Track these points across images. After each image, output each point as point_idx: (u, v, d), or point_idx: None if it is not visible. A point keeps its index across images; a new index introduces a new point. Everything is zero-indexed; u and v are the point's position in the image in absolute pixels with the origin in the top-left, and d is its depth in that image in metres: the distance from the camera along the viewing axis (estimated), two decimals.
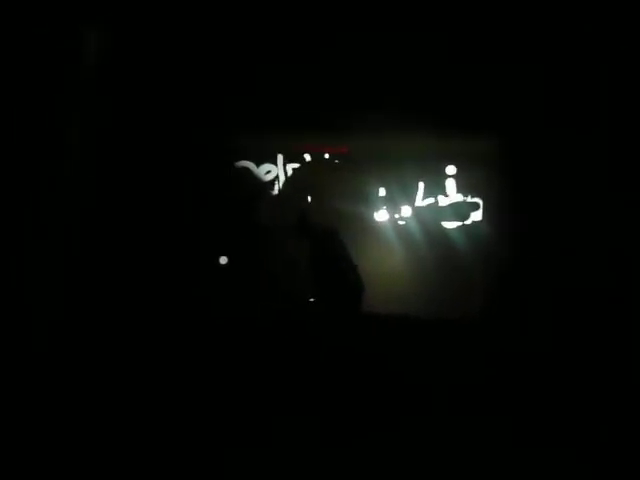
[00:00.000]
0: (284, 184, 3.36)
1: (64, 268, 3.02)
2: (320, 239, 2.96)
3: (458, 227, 3.25)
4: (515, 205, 3.14)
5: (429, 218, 3.27)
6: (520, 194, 3.15)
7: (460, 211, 3.27)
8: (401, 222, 3.28)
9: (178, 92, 3.36)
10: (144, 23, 3.25)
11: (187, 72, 3.35)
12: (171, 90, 3.35)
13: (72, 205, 3.07)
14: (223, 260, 3.23)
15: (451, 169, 3.31)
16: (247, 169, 3.35)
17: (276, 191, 3.35)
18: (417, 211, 3.29)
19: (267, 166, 3.36)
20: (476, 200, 3.27)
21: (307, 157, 3.39)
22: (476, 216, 3.25)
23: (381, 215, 3.30)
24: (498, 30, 3.12)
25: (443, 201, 3.30)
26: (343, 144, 3.38)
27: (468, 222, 3.25)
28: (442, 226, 3.26)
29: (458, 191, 3.30)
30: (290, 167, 3.40)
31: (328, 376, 2.92)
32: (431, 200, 3.30)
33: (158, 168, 3.32)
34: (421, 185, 3.32)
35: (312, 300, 3.11)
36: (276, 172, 3.37)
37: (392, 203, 3.30)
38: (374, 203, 3.31)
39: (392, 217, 3.29)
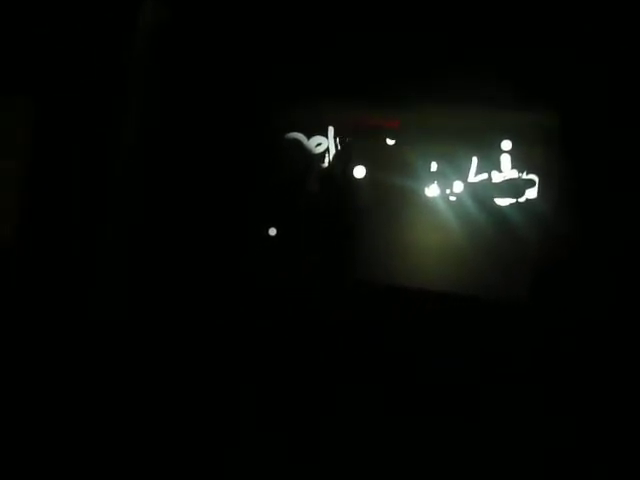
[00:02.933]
0: (334, 156, 3.34)
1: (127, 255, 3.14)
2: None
3: (512, 204, 3.16)
4: (573, 184, 3.03)
5: (482, 194, 3.19)
6: (578, 173, 3.03)
7: (514, 188, 3.18)
8: (452, 198, 3.22)
9: (229, 64, 3.37)
10: None
11: (237, 43, 3.34)
12: (221, 62, 3.37)
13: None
14: (272, 231, 3.26)
15: (507, 144, 3.20)
16: (298, 140, 3.34)
17: (327, 164, 3.34)
18: (469, 187, 3.21)
19: (318, 138, 3.34)
20: (532, 177, 3.17)
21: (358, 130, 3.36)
22: (531, 194, 3.16)
23: (432, 190, 3.24)
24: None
25: (497, 177, 3.21)
26: (395, 118, 3.32)
27: (522, 200, 3.16)
28: (495, 203, 3.18)
29: (513, 167, 3.20)
30: (341, 140, 3.37)
31: (369, 354, 2.95)
32: (484, 176, 3.22)
33: (209, 140, 3.36)
34: (474, 160, 3.24)
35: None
36: (326, 144, 3.35)
37: (444, 178, 3.24)
38: (425, 178, 3.25)
39: (443, 192, 3.23)
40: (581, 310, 2.89)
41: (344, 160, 3.28)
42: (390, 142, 3.32)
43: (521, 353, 2.92)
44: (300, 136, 3.34)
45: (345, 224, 3.22)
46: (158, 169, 3.34)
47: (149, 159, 3.32)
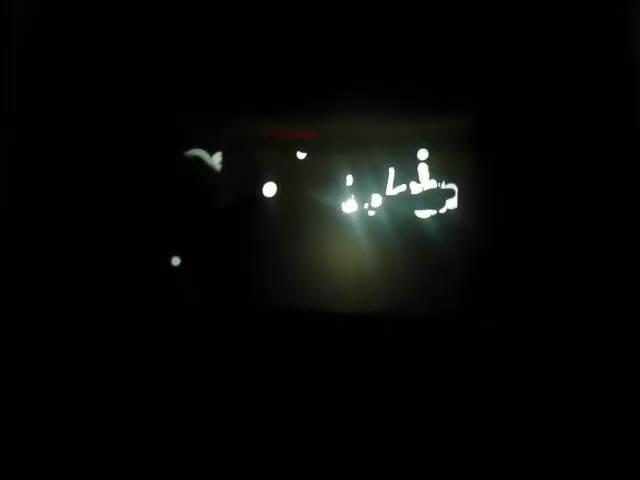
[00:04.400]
0: (239, 173, 3.04)
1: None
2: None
3: (432, 216, 3.00)
4: (493, 191, 2.91)
5: (401, 207, 3.01)
6: (498, 179, 2.91)
7: (434, 199, 3.02)
8: (371, 212, 3.01)
9: (125, 73, 2.98)
10: None
11: (137, 51, 2.97)
12: (119, 71, 2.97)
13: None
14: (175, 261, 2.90)
15: (423, 153, 3.05)
16: (199, 158, 3.01)
17: (232, 180, 3.03)
18: (388, 200, 3.02)
19: (220, 154, 3.03)
20: (451, 186, 3.02)
21: (268, 142, 3.07)
22: (451, 204, 3.01)
23: (349, 205, 3.02)
24: None
25: (416, 188, 3.04)
26: (309, 129, 3.08)
27: (443, 211, 3.01)
28: (415, 216, 3.00)
29: (431, 177, 3.04)
30: (249, 153, 3.07)
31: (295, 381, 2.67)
32: (402, 188, 3.04)
33: (103, 158, 2.94)
34: (391, 171, 3.05)
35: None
36: (232, 160, 3.04)
37: (361, 192, 3.03)
38: (341, 192, 3.02)
39: (361, 207, 3.01)
40: (506, 322, 2.76)
41: (251, 176, 2.98)
42: (302, 155, 3.06)
43: (455, 367, 2.75)
44: (201, 152, 3.01)
45: (253, 245, 2.92)
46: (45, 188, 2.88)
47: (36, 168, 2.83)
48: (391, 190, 3.04)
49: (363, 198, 3.02)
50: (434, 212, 3.00)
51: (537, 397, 2.64)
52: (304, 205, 2.96)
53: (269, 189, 2.99)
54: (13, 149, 2.73)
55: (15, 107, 2.74)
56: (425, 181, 3.04)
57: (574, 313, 2.68)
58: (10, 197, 2.70)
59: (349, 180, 3.03)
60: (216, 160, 3.01)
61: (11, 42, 2.74)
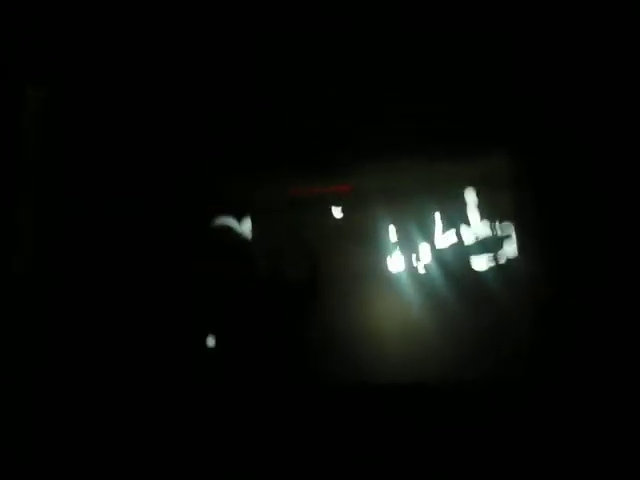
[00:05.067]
0: (275, 238, 2.78)
1: None
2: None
3: (491, 268, 2.68)
4: (552, 228, 2.58)
5: (454, 259, 2.71)
6: (556, 214, 2.59)
7: (490, 244, 2.70)
8: (421, 270, 2.71)
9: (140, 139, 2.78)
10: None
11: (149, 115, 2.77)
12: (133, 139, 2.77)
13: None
14: (211, 342, 2.66)
15: (470, 193, 2.75)
16: (228, 226, 2.77)
17: (266, 248, 2.77)
18: (438, 253, 2.72)
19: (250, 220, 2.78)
20: (507, 227, 2.70)
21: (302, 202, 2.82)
22: (510, 249, 2.69)
23: (396, 263, 2.73)
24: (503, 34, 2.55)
25: (467, 235, 2.73)
26: (343, 182, 2.80)
27: (502, 261, 2.68)
28: (472, 267, 2.69)
29: (482, 218, 2.73)
30: (282, 217, 2.81)
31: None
32: (452, 236, 2.74)
33: (122, 235, 2.73)
34: (438, 219, 2.75)
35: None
36: (264, 225, 2.79)
37: (407, 246, 2.74)
38: (386, 249, 2.74)
39: (409, 264, 2.72)
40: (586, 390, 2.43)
41: (286, 242, 2.73)
42: (339, 212, 2.79)
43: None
44: (230, 220, 2.77)
45: (297, 318, 2.66)
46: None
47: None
48: (440, 240, 2.73)
49: (410, 253, 2.72)
50: (492, 260, 2.68)
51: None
52: (347, 269, 2.68)
53: (306, 253, 2.73)
54: None
55: None
56: (476, 224, 2.73)
57: None
58: None
59: (392, 234, 2.74)
60: (246, 227, 2.77)
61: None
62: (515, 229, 2.69)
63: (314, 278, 2.66)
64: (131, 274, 2.66)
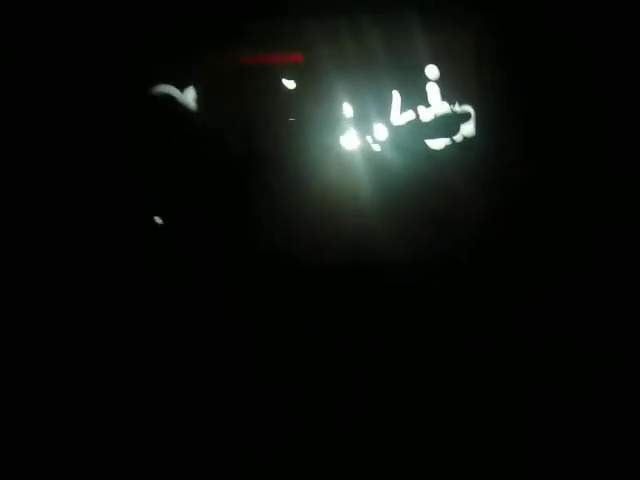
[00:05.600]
0: (220, 108, 2.57)
1: None
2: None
3: (447, 146, 2.57)
4: (519, 113, 2.47)
5: (410, 138, 2.57)
6: (524, 98, 2.47)
7: (448, 125, 2.58)
8: (375, 147, 2.58)
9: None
10: None
11: None
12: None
13: None
14: (159, 219, 2.51)
15: (433, 70, 2.57)
16: (169, 95, 2.53)
17: (210, 120, 2.56)
18: (394, 131, 2.57)
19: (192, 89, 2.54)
20: (467, 109, 2.57)
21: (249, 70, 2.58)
22: (468, 129, 2.57)
23: (349, 140, 2.58)
24: None
25: (426, 114, 2.59)
26: (295, 50, 2.56)
27: (458, 138, 2.57)
28: (427, 147, 2.57)
29: (443, 99, 2.58)
30: (227, 85, 2.58)
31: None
32: (410, 114, 2.59)
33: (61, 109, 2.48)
34: (396, 96, 2.58)
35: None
36: (207, 95, 2.56)
37: (362, 123, 2.57)
38: (339, 125, 2.57)
39: (364, 142, 2.57)
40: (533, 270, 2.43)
41: (231, 113, 2.53)
42: (290, 83, 2.58)
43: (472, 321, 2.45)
44: (171, 89, 2.52)
45: (244, 193, 2.52)
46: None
47: None
48: (397, 118, 2.58)
49: (365, 130, 2.57)
50: (448, 141, 2.56)
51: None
52: (297, 143, 2.52)
53: (254, 127, 2.54)
54: None
55: None
56: (436, 104, 2.58)
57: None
58: None
59: (347, 110, 2.57)
60: (189, 96, 2.54)
61: None
62: (475, 109, 2.56)
63: (261, 153, 2.50)
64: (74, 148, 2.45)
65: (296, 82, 2.56)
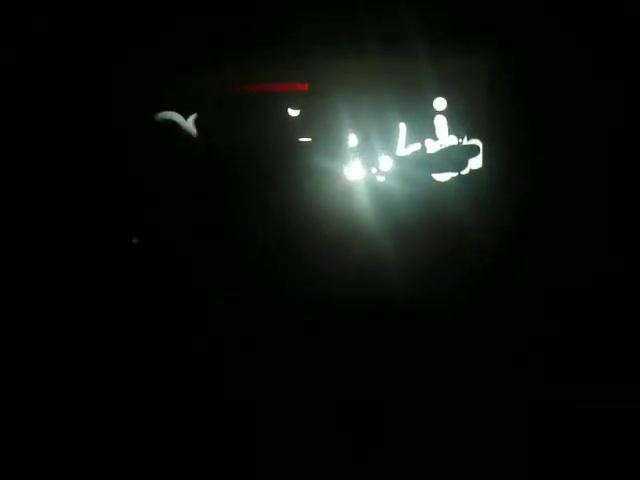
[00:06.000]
0: (223, 136, 2.54)
1: None
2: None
3: (453, 179, 2.50)
4: (528, 147, 2.40)
5: (415, 171, 2.51)
6: (534, 130, 2.41)
7: (455, 158, 2.52)
8: (380, 178, 2.52)
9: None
10: None
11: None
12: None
13: None
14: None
15: (440, 103, 2.53)
16: (173, 121, 2.52)
17: (212, 149, 2.53)
18: (399, 162, 2.52)
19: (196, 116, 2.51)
20: (475, 142, 2.51)
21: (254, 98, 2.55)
22: (475, 164, 2.51)
23: (354, 171, 2.52)
24: None
25: (432, 146, 2.53)
26: (300, 80, 2.54)
27: (465, 172, 2.51)
28: (433, 180, 2.51)
29: (451, 132, 2.53)
30: (232, 113, 2.56)
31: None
32: (416, 146, 2.53)
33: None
34: (402, 127, 2.54)
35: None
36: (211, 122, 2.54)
37: (367, 153, 2.53)
38: (344, 155, 2.52)
39: (368, 173, 2.52)
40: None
41: (234, 142, 2.50)
42: (295, 112, 2.55)
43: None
44: (175, 115, 2.51)
45: (245, 225, 2.48)
46: None
47: None
48: (403, 150, 2.53)
49: (370, 161, 2.52)
50: (455, 174, 2.50)
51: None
52: (300, 174, 2.47)
53: (257, 156, 2.50)
54: None
55: None
56: (443, 137, 2.53)
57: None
58: None
59: (352, 140, 2.52)
60: (192, 123, 2.52)
61: None
62: (483, 142, 2.51)
63: (263, 183, 2.46)
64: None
65: (301, 111, 2.53)
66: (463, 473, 2.10)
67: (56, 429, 2.22)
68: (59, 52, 2.42)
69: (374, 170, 2.52)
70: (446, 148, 2.51)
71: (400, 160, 2.52)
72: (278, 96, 2.53)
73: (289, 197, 2.47)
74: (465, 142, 2.51)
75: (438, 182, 2.51)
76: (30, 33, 2.42)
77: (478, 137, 2.51)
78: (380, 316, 2.43)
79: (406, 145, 2.54)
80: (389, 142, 2.52)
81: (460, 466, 2.11)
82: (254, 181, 2.45)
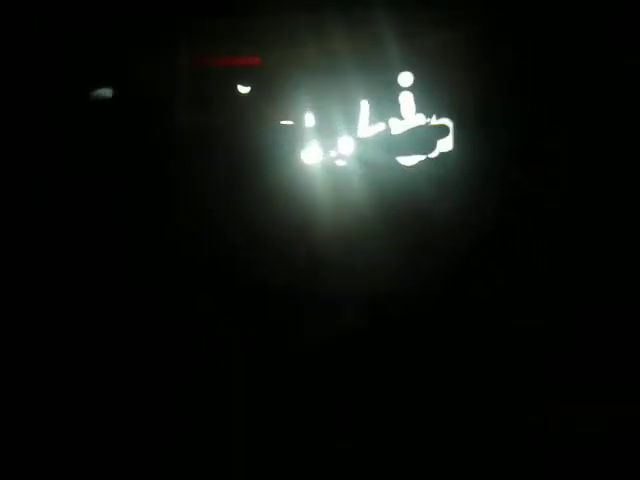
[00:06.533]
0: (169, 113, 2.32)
1: None
2: None
3: (420, 163, 2.29)
4: (500, 127, 2.22)
5: (378, 153, 2.31)
6: (509, 108, 2.24)
7: (422, 140, 2.31)
8: (340, 162, 2.31)
9: None
10: None
11: None
12: None
13: None
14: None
15: (406, 78, 2.31)
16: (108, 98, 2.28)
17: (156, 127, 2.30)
18: (361, 144, 2.31)
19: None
20: (444, 122, 2.31)
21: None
22: (445, 145, 2.30)
23: (310, 154, 2.31)
24: None
25: (397, 126, 2.33)
26: (252, 53, 2.32)
27: (434, 154, 2.30)
28: (398, 164, 2.31)
29: (418, 110, 2.32)
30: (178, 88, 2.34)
31: None
32: (380, 127, 2.33)
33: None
34: (365, 105, 2.32)
35: None
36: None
37: (325, 135, 2.31)
38: (300, 136, 2.31)
39: (326, 155, 2.31)
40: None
41: (180, 119, 2.28)
42: (246, 88, 2.33)
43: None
44: (108, 91, 2.27)
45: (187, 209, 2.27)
46: None
47: None
48: (365, 130, 2.32)
49: (328, 143, 2.31)
50: (422, 157, 2.29)
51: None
52: (251, 155, 2.26)
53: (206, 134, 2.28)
54: None
55: None
56: (410, 116, 2.32)
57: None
58: None
59: (309, 120, 2.31)
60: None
61: None
62: (453, 122, 2.31)
63: (212, 165, 2.25)
64: None
65: (252, 87, 2.31)
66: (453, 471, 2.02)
67: (55, 429, 2.15)
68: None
69: (333, 153, 2.30)
70: (412, 128, 2.31)
71: (362, 142, 2.31)
72: (228, 70, 2.31)
73: (239, 183, 2.25)
74: (433, 121, 2.30)
75: (404, 166, 2.30)
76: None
77: (448, 116, 2.31)
78: (342, 309, 2.25)
79: (369, 125, 2.33)
80: (349, 122, 2.31)
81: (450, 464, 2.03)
82: (208, 164, 2.24)
